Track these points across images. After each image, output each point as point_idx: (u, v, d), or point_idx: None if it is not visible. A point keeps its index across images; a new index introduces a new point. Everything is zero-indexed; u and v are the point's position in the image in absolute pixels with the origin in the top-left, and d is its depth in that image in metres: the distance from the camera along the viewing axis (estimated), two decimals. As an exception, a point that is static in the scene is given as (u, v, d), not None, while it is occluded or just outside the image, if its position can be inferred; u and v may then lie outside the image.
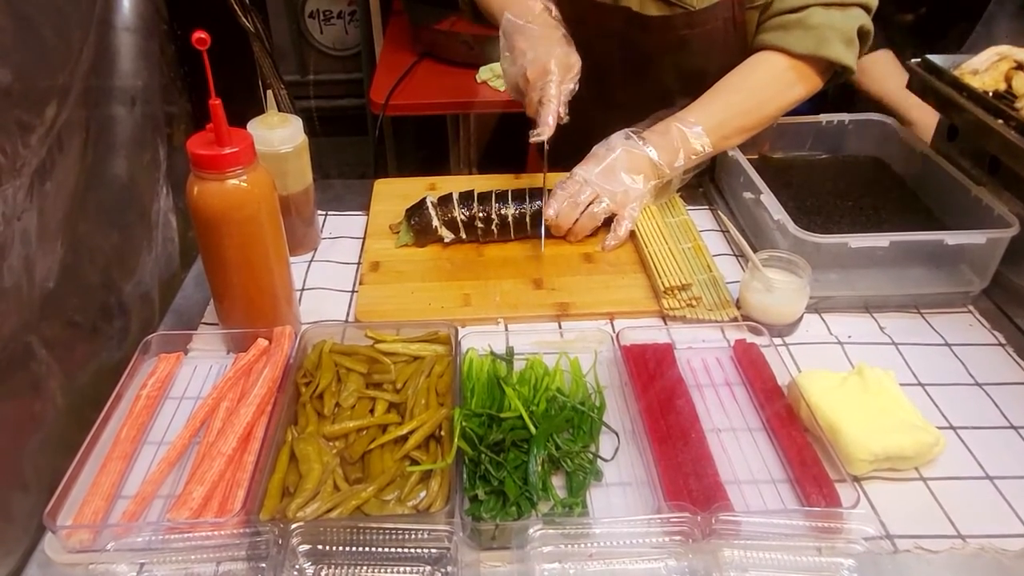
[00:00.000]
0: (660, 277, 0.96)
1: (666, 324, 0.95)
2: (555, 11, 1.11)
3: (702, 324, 0.93)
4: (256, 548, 0.65)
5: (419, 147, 2.67)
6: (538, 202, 1.06)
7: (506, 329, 0.93)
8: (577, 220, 1.05)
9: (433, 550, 0.65)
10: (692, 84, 1.12)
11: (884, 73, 1.48)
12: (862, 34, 1.06)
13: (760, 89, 1.08)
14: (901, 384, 0.81)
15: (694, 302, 0.95)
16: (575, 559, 0.65)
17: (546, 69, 1.02)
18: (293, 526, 0.65)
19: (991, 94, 1.03)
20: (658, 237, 1.04)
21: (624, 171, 1.05)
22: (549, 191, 1.07)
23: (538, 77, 1.02)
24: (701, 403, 0.82)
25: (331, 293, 1.01)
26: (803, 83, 1.08)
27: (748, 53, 1.11)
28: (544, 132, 1.00)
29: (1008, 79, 1.04)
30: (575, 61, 1.05)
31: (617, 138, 1.08)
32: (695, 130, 1.05)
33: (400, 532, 0.65)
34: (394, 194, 1.17)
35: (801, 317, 0.93)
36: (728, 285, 0.98)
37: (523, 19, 1.07)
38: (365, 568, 0.65)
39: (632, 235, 1.07)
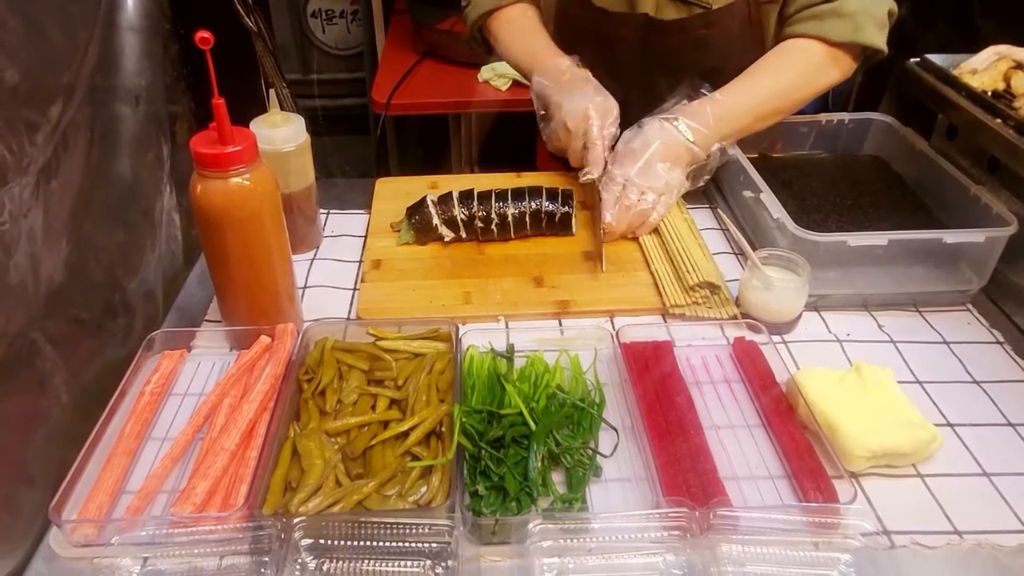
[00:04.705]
0: (689, 272, 0.96)
1: (666, 322, 0.95)
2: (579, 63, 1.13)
3: (702, 322, 0.94)
4: (259, 542, 0.66)
5: (421, 146, 2.68)
6: (537, 200, 1.06)
7: (507, 327, 0.94)
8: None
9: (434, 544, 0.66)
10: (710, 84, 1.12)
11: None
12: (889, 15, 1.07)
13: (795, 73, 1.08)
14: (899, 382, 0.82)
15: (701, 300, 0.96)
16: (574, 554, 0.66)
17: (586, 115, 1.05)
18: (295, 521, 0.65)
19: (990, 93, 1.04)
20: (688, 233, 1.05)
21: (660, 163, 1.05)
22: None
23: (578, 125, 1.05)
24: (700, 400, 0.82)
25: (333, 291, 1.01)
26: (837, 67, 1.09)
27: (767, 49, 1.12)
28: (594, 171, 1.03)
29: (1007, 78, 1.05)
30: (612, 105, 1.07)
31: (652, 128, 1.05)
32: (729, 111, 1.06)
33: (401, 527, 0.65)
34: (395, 193, 1.18)
35: (800, 315, 0.93)
36: (728, 283, 0.99)
37: (552, 78, 1.10)
38: (366, 562, 0.65)
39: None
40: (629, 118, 1.09)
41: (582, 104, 1.06)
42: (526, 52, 1.18)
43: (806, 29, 1.07)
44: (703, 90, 1.09)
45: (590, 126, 1.04)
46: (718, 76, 1.12)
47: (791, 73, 1.08)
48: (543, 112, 1.12)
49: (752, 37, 1.13)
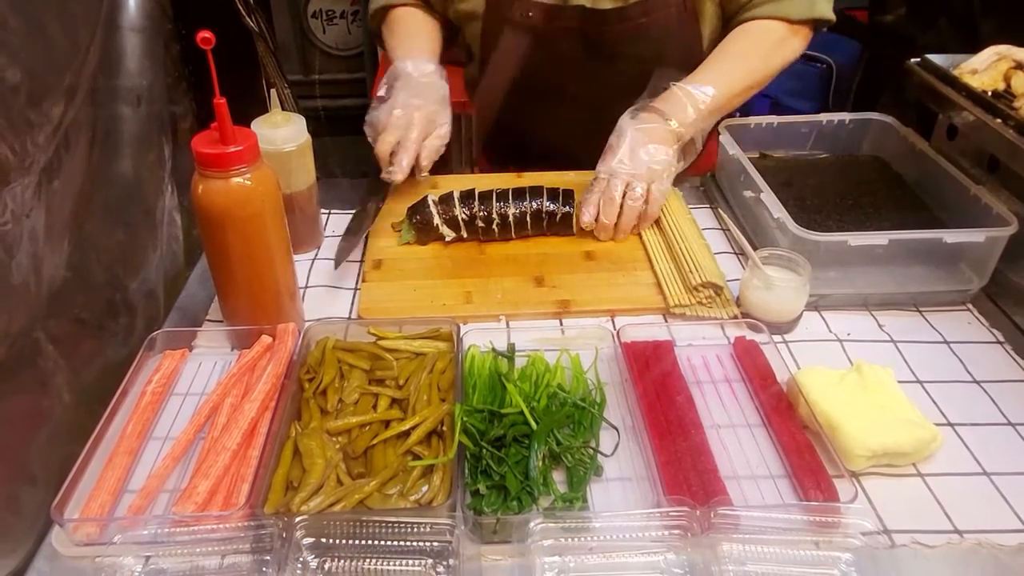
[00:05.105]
0: (692, 272, 0.96)
1: (667, 321, 0.95)
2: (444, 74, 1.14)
3: (702, 321, 0.94)
4: (260, 541, 0.66)
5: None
6: (538, 200, 1.06)
7: (507, 326, 0.94)
8: (620, 214, 1.05)
9: (435, 543, 0.66)
10: (651, 73, 1.13)
11: None
12: None
13: (763, 51, 1.12)
14: (899, 381, 0.82)
15: (705, 300, 0.96)
16: (575, 552, 0.66)
17: (411, 118, 1.05)
18: (297, 520, 0.66)
19: (990, 93, 1.04)
20: (692, 233, 1.05)
21: (642, 149, 1.04)
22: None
23: (399, 120, 1.06)
24: (701, 399, 0.82)
25: (334, 291, 1.01)
26: (798, 40, 1.15)
27: (703, 37, 1.15)
28: (396, 174, 1.04)
29: (1007, 78, 1.05)
30: (444, 121, 1.09)
31: (624, 121, 1.07)
32: (700, 88, 1.07)
33: (402, 526, 0.66)
34: (396, 193, 1.18)
35: (801, 315, 0.93)
36: (729, 283, 0.99)
37: (412, 72, 1.11)
38: (368, 561, 0.65)
39: (657, 226, 1.08)
40: (571, 112, 1.09)
41: (416, 106, 1.06)
42: (402, 51, 1.17)
43: (766, 11, 1.12)
44: (671, 81, 1.10)
45: (412, 128, 1.05)
46: (659, 65, 1.13)
47: (759, 51, 1.12)
48: (382, 93, 1.11)
49: (689, 24, 1.16)
